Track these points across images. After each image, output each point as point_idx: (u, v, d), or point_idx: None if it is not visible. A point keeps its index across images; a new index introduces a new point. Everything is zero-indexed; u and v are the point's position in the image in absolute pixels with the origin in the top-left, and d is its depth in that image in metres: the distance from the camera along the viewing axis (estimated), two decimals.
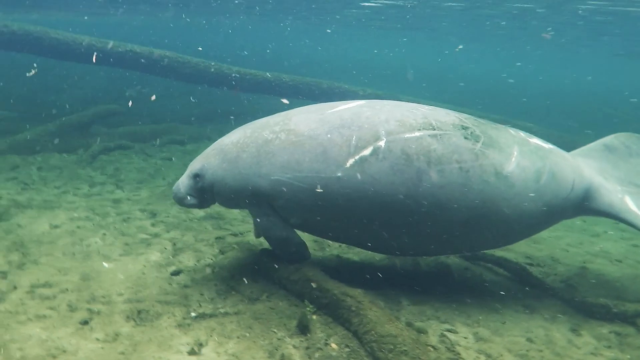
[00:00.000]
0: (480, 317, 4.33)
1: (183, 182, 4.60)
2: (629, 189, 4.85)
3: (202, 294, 4.35)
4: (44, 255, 4.95)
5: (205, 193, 4.55)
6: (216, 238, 5.57)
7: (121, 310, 4.06)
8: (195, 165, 4.58)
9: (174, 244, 5.36)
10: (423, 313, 4.32)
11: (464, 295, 4.71)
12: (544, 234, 7.03)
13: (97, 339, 3.69)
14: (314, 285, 4.11)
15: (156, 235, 5.61)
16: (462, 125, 4.28)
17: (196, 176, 4.53)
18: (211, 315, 4.04)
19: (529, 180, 4.28)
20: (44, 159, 8.49)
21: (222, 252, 5.21)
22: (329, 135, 4.14)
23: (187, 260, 5.03)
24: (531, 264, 5.62)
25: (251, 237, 5.59)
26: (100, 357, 3.48)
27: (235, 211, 6.37)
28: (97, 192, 7.13)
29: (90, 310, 4.03)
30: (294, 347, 3.71)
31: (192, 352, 3.60)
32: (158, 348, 3.62)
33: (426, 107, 4.48)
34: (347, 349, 3.71)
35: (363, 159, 4.04)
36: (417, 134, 4.11)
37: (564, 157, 4.70)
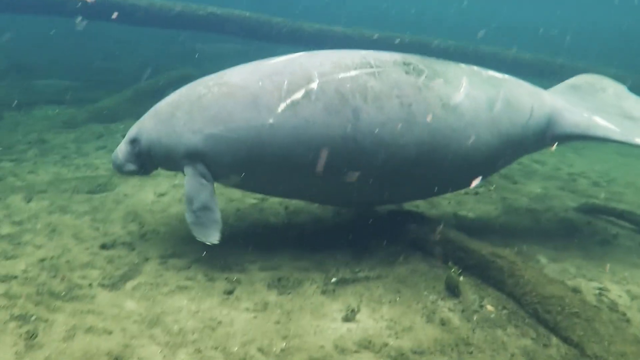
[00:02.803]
0: (626, 274, 4.16)
1: (121, 149, 4.45)
2: (600, 114, 4.59)
3: (335, 258, 4.26)
4: (161, 224, 4.90)
5: (143, 158, 4.40)
6: None
7: (260, 278, 3.99)
8: (132, 131, 4.43)
9: (286, 208, 5.26)
10: (566, 271, 4.16)
11: (598, 251, 4.53)
12: None
13: (247, 309, 3.62)
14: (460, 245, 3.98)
15: (264, 198, 5.50)
16: (404, 62, 4.07)
17: (133, 141, 4.39)
18: (353, 280, 3.94)
19: (481, 109, 4.05)
20: (126, 127, 8.44)
21: (338, 213, 5.10)
22: (260, 83, 3.96)
23: (305, 223, 4.93)
24: None
25: None
26: (258, 327, 3.42)
27: None
28: None
29: (228, 280, 3.97)
30: (450, 310, 3.59)
31: (347, 319, 3.50)
32: (312, 316, 3.54)
33: (370, 51, 4.25)
34: (505, 311, 3.58)
35: (295, 103, 3.85)
36: (352, 73, 3.93)
37: (521, 85, 4.46)
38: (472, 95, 4.06)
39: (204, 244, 4.02)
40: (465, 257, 3.94)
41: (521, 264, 3.72)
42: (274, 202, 5.39)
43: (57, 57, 14.03)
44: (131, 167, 4.45)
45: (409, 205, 5.28)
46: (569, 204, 5.67)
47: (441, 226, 4.16)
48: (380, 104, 3.84)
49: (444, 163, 4.00)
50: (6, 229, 4.72)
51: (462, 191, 5.82)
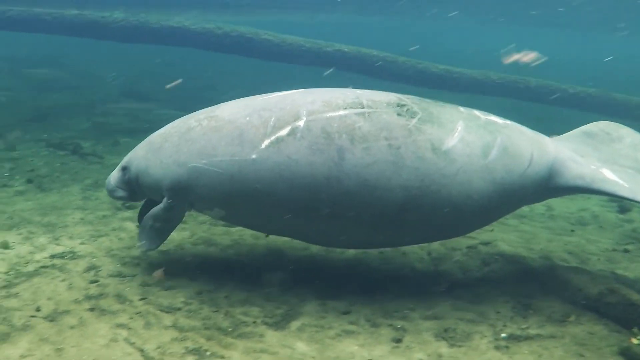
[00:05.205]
0: None
1: (113, 175, 4.62)
2: (611, 166, 4.27)
3: (497, 312, 4.08)
4: (308, 263, 4.86)
5: (133, 185, 4.49)
6: (468, 247, 5.29)
7: (426, 327, 3.86)
8: (125, 158, 4.58)
9: (429, 253, 5.14)
10: None
11: None
12: None
13: None
14: None
15: None
16: (398, 104, 3.99)
17: (124, 168, 4.51)
18: (525, 338, 3.75)
19: (475, 155, 3.88)
20: None
21: (485, 263, 4.94)
22: (247, 118, 3.96)
23: (452, 271, 4.79)
24: None
25: (507, 247, 5.29)
26: None
27: None
28: None
29: (393, 327, 3.86)
30: None
31: None
32: None
33: (367, 90, 4.15)
34: None
35: (279, 140, 3.82)
36: (341, 112, 3.86)
37: (521, 132, 4.23)
38: (467, 140, 3.92)
39: (358, 288, 3.95)
40: None
41: None
42: (416, 246, 5.27)
43: (162, 85, 14.53)
44: (121, 193, 4.60)
45: (559, 259, 5.07)
46: None
47: (619, 286, 3.94)
48: (367, 145, 3.76)
49: (433, 209, 3.86)
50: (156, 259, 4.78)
51: (610, 247, 5.56)
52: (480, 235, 5.63)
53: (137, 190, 4.55)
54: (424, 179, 3.79)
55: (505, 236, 5.67)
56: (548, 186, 4.26)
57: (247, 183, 3.88)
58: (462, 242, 5.41)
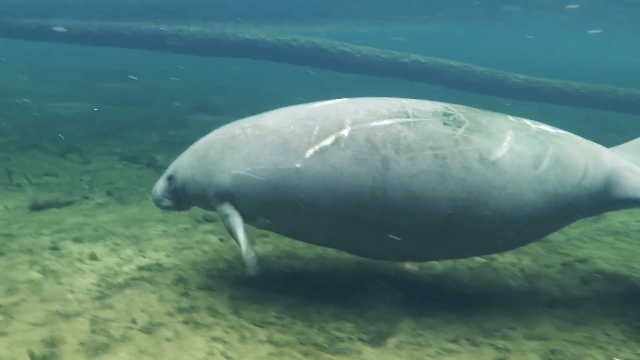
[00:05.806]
0: None
1: (159, 184, 4.59)
2: None
3: (607, 334, 3.84)
4: (395, 279, 4.71)
5: (179, 194, 4.47)
6: (562, 264, 5.04)
7: (530, 348, 3.65)
8: (170, 167, 4.56)
9: (522, 270, 4.92)
10: None
11: None
12: None
13: None
14: None
15: (492, 258, 5.19)
16: (444, 113, 3.87)
17: (170, 178, 4.48)
18: None
19: (525, 166, 3.71)
20: None
21: (585, 282, 4.68)
22: (291, 127, 3.91)
23: (550, 289, 4.55)
24: None
25: (606, 265, 5.02)
26: None
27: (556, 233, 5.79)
28: None
29: (494, 346, 3.67)
30: None
31: None
32: None
33: (412, 100, 4.04)
34: None
35: (323, 149, 3.74)
36: (386, 122, 3.77)
37: (575, 141, 4.06)
38: (516, 151, 3.74)
39: (451, 304, 3.79)
40: None
41: None
42: (506, 262, 5.07)
43: (232, 98, 14.74)
44: (167, 202, 4.58)
45: None
46: None
47: None
48: (412, 155, 3.65)
49: (481, 221, 3.68)
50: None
51: None
52: (575, 252, 5.38)
53: (183, 199, 4.55)
54: (471, 190, 3.65)
55: (602, 253, 5.38)
56: (605, 198, 4.06)
57: (291, 192, 3.82)
58: (556, 258, 5.17)
